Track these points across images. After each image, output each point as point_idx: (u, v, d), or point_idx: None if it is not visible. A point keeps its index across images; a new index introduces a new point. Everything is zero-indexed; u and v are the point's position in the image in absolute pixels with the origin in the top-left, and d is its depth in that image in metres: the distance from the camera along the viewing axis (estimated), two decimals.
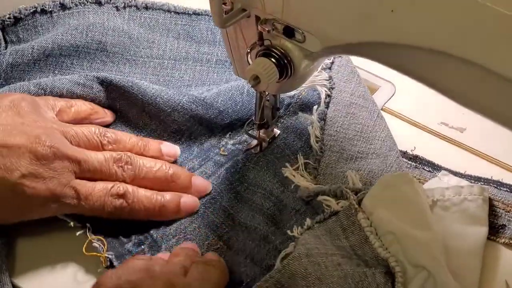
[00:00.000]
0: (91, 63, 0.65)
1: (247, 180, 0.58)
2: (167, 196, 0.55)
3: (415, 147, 0.62)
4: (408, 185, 0.51)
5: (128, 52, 0.67)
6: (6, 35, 0.66)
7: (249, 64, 0.50)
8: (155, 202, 0.54)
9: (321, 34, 0.45)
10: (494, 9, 0.35)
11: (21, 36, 0.66)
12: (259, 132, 0.59)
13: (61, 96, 0.60)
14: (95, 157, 0.53)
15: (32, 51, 0.63)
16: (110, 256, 0.52)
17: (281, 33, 0.47)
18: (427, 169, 0.61)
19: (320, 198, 0.54)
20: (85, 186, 0.52)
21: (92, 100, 0.61)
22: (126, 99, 0.62)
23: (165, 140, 0.62)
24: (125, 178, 0.54)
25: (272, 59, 0.48)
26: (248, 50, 0.50)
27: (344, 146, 0.60)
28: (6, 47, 0.66)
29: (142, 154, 0.57)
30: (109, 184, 0.53)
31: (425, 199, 0.52)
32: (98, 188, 0.52)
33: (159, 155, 0.59)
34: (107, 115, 0.62)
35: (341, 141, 0.61)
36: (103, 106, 0.62)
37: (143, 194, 0.54)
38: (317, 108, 0.62)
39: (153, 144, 0.59)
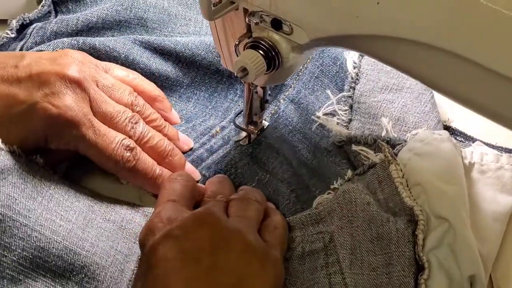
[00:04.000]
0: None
1: (291, 123, 0.61)
2: (164, 170, 0.56)
3: (448, 118, 0.63)
4: (444, 142, 0.53)
5: (166, 29, 0.69)
6: (57, 7, 0.70)
7: (237, 56, 0.50)
8: (154, 170, 0.55)
9: (308, 27, 0.46)
10: (480, 2, 0.35)
11: (70, 7, 0.70)
12: (248, 124, 0.60)
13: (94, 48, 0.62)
14: (113, 105, 0.54)
15: (77, 22, 0.66)
16: None
17: (269, 26, 0.48)
18: (460, 139, 0.62)
19: (356, 148, 0.55)
20: (101, 125, 0.53)
21: (126, 58, 0.62)
22: (160, 55, 0.64)
23: (207, 83, 0.64)
24: (131, 136, 0.55)
25: (260, 51, 0.48)
26: (236, 42, 0.50)
27: (380, 77, 0.62)
28: (55, 17, 0.69)
29: (160, 131, 0.58)
30: (121, 135, 0.54)
31: (459, 158, 0.53)
32: (112, 134, 0.53)
33: (175, 138, 0.59)
34: (173, 115, 0.62)
35: (378, 71, 0.62)
36: (140, 69, 0.63)
37: (147, 157, 0.55)
38: None
39: (172, 128, 0.60)
